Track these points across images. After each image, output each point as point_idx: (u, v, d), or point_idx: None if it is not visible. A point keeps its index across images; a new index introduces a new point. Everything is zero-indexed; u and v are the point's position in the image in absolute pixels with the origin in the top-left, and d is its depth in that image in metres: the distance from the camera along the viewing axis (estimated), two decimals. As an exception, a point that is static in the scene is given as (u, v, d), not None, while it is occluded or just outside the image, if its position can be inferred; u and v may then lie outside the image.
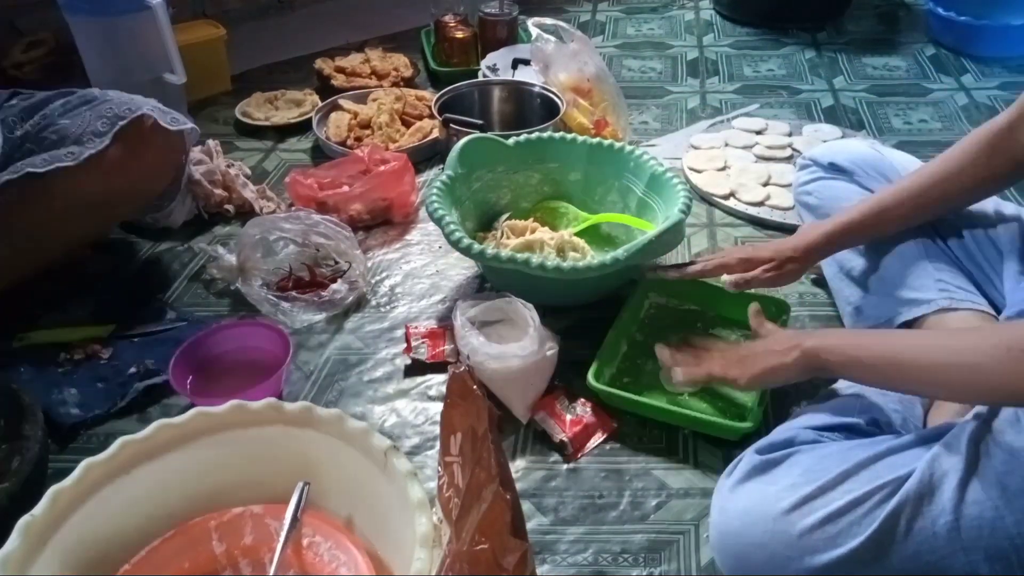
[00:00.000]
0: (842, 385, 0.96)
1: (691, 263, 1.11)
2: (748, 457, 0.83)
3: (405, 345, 1.13)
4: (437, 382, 1.10)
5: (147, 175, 1.25)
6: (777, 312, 1.12)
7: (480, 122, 1.44)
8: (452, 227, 1.12)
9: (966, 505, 0.70)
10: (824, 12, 2.23)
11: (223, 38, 1.85)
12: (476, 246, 1.10)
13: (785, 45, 2.11)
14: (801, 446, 0.83)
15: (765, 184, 1.49)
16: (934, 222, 1.04)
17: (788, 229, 1.37)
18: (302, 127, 1.72)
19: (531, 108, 1.62)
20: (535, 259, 1.07)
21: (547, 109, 1.58)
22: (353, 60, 1.91)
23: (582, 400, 1.04)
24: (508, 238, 1.24)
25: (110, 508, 0.77)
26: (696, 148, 1.62)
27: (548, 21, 1.66)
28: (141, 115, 1.18)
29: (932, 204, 0.99)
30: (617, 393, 1.02)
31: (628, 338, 1.12)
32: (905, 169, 1.10)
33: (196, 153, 1.48)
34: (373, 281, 1.29)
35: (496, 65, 1.79)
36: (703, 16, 2.30)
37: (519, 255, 1.08)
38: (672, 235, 1.12)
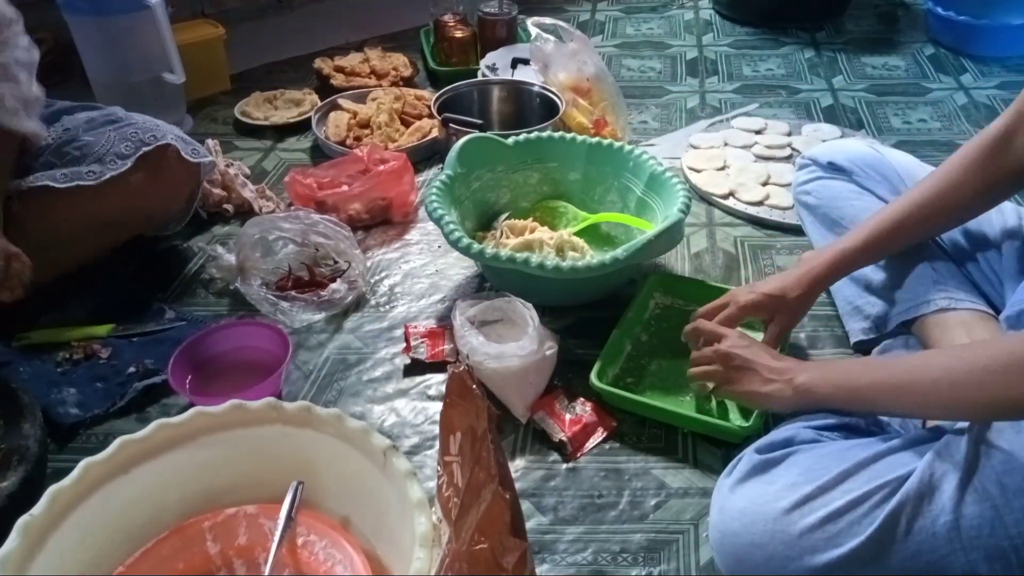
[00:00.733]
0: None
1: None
2: (747, 456, 0.83)
3: (404, 345, 1.13)
4: (436, 382, 1.10)
5: (163, 201, 1.27)
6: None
7: (479, 122, 1.44)
8: (451, 227, 1.12)
9: (966, 505, 0.70)
10: (823, 12, 2.24)
11: (222, 37, 1.85)
12: (475, 246, 1.10)
13: (784, 45, 2.12)
14: (800, 445, 0.83)
15: (764, 184, 1.49)
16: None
17: (787, 228, 1.38)
18: (301, 127, 1.72)
19: (530, 108, 1.62)
20: (534, 259, 1.08)
21: (546, 109, 1.58)
22: (352, 60, 1.91)
23: (581, 400, 1.04)
24: (507, 238, 1.24)
25: (109, 508, 0.77)
26: (695, 148, 1.62)
27: (547, 21, 1.66)
28: (165, 144, 1.20)
29: (933, 223, 0.97)
30: (619, 393, 1.02)
31: (632, 338, 1.12)
32: (904, 169, 1.09)
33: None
34: (372, 281, 1.29)
35: (495, 65, 1.79)
36: (702, 16, 2.30)
37: (518, 255, 1.08)
38: (671, 235, 1.12)
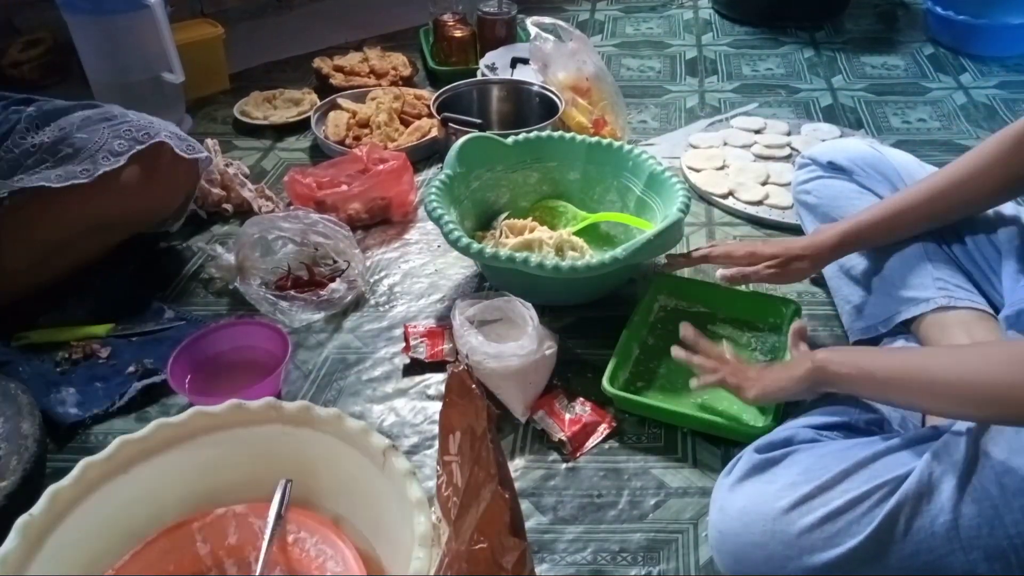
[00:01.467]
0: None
1: (696, 250, 1.12)
2: (747, 456, 0.83)
3: (404, 344, 1.13)
4: (436, 381, 1.10)
5: (159, 198, 1.27)
6: (787, 312, 1.12)
7: (479, 121, 1.44)
8: (451, 226, 1.12)
9: (965, 504, 0.70)
10: (823, 11, 2.24)
11: (221, 37, 1.84)
12: (475, 245, 1.10)
13: (784, 44, 2.12)
14: (800, 445, 0.83)
15: (764, 183, 1.49)
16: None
17: (787, 228, 1.38)
18: (300, 126, 1.72)
19: (530, 107, 1.62)
20: (534, 259, 1.07)
21: (546, 108, 1.57)
22: (352, 59, 1.91)
23: (581, 399, 1.04)
24: (507, 237, 1.24)
25: (109, 507, 0.77)
26: (695, 147, 1.62)
27: (547, 20, 1.65)
28: (159, 142, 1.19)
29: (949, 208, 0.98)
30: (636, 399, 1.02)
31: (639, 341, 1.11)
32: (904, 168, 1.10)
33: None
34: (372, 280, 1.29)
35: (495, 64, 1.79)
36: (702, 15, 2.30)
37: (518, 254, 1.08)
38: (671, 234, 1.11)
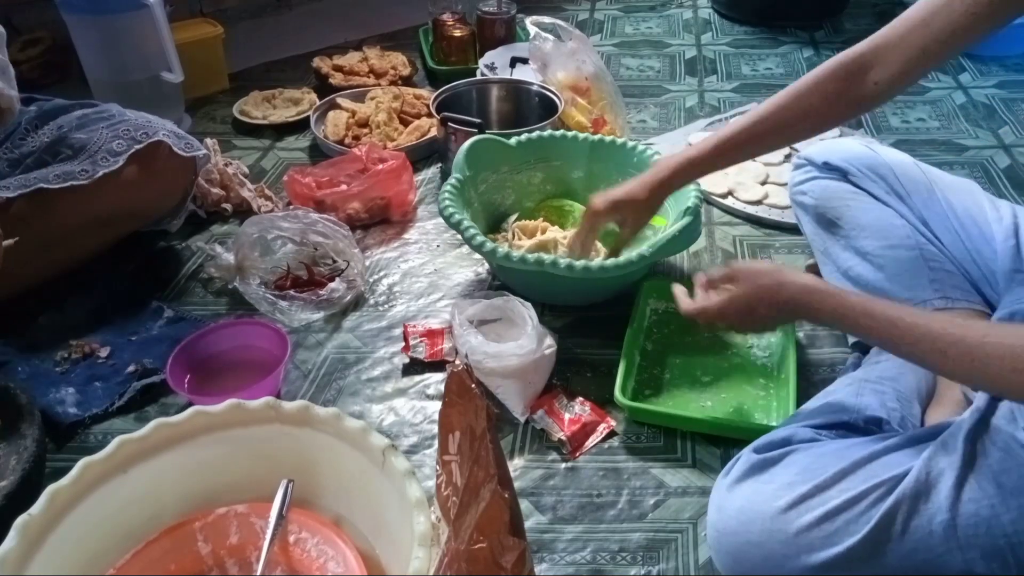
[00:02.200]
0: (841, 383, 0.96)
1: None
2: (746, 456, 0.83)
3: (403, 344, 1.13)
4: (435, 381, 1.10)
5: (157, 196, 1.27)
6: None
7: (479, 121, 1.43)
8: (472, 231, 1.12)
9: (962, 503, 0.70)
10: (822, 11, 2.24)
11: (221, 36, 1.84)
12: (500, 250, 1.09)
13: (783, 44, 2.12)
14: (798, 445, 0.83)
15: (763, 183, 1.49)
16: (929, 221, 1.04)
17: (786, 227, 1.38)
18: (300, 126, 1.72)
19: (529, 107, 1.62)
20: (563, 261, 1.07)
21: (545, 108, 1.57)
22: (351, 59, 1.91)
23: (580, 399, 1.04)
24: (519, 239, 1.24)
25: (108, 507, 0.77)
26: (694, 147, 1.62)
27: (546, 19, 1.65)
28: (157, 140, 1.20)
29: (768, 134, 1.00)
30: (650, 409, 1.02)
31: (639, 348, 1.11)
32: (900, 167, 1.10)
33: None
34: (371, 280, 1.29)
35: (494, 64, 1.79)
36: (701, 15, 2.30)
37: (546, 257, 1.08)
38: (693, 229, 1.12)
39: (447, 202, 1.16)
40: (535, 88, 1.61)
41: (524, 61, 1.68)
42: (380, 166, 1.42)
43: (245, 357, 1.10)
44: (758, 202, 1.45)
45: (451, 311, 1.08)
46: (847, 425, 0.87)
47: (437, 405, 0.91)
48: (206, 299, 1.26)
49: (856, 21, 2.23)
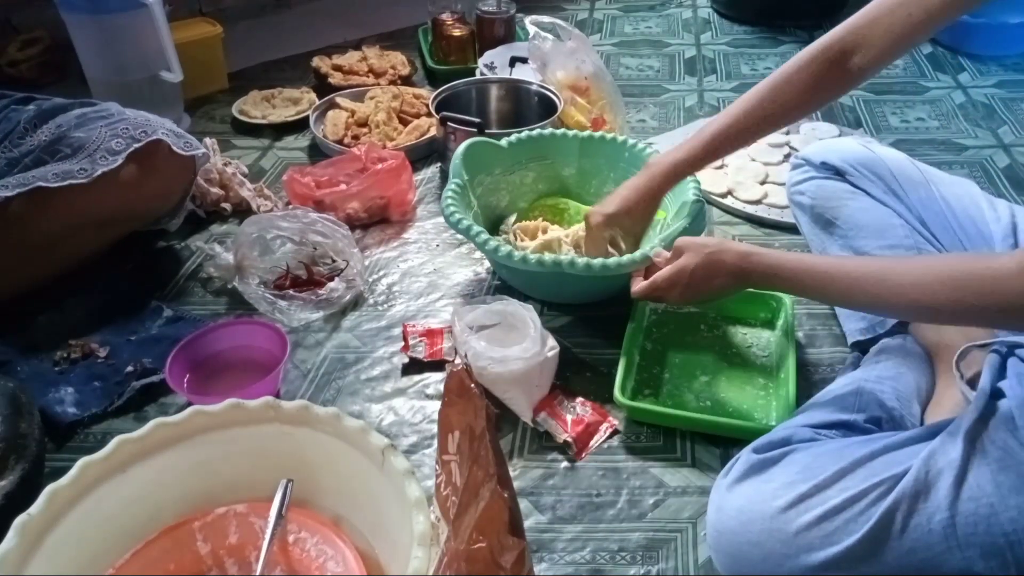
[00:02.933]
0: (840, 382, 0.96)
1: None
2: (745, 456, 0.83)
3: (403, 343, 1.13)
4: (435, 380, 1.10)
5: (156, 195, 1.27)
6: (777, 307, 1.14)
7: (478, 120, 1.43)
8: (483, 236, 1.11)
9: (961, 502, 0.70)
10: (821, 10, 2.23)
11: (220, 36, 1.84)
12: (515, 253, 1.09)
13: (782, 43, 2.12)
14: (798, 444, 0.83)
15: (762, 182, 1.49)
16: (927, 221, 1.04)
17: (785, 227, 1.38)
18: (299, 125, 1.72)
19: (529, 106, 1.62)
20: (580, 261, 1.07)
21: (545, 107, 1.57)
22: (350, 58, 1.91)
23: (580, 399, 1.04)
24: (521, 240, 1.24)
25: (107, 507, 0.77)
26: (693, 146, 1.62)
27: (546, 19, 1.65)
28: (156, 139, 1.19)
29: (756, 125, 1.02)
30: (650, 408, 1.02)
31: (638, 348, 1.11)
32: (897, 167, 1.10)
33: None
34: (370, 279, 1.29)
35: (494, 63, 1.79)
36: (700, 14, 2.30)
37: (562, 258, 1.08)
38: (700, 222, 1.13)
39: (452, 208, 1.15)
40: (534, 88, 1.61)
41: (523, 60, 1.68)
42: (379, 166, 1.42)
43: (244, 357, 1.10)
44: (757, 202, 1.45)
45: (451, 317, 1.08)
46: (846, 425, 0.87)
47: (436, 405, 0.91)
48: (205, 299, 1.26)
49: (855, 21, 2.23)
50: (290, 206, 1.42)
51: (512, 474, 0.93)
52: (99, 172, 1.14)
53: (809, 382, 1.07)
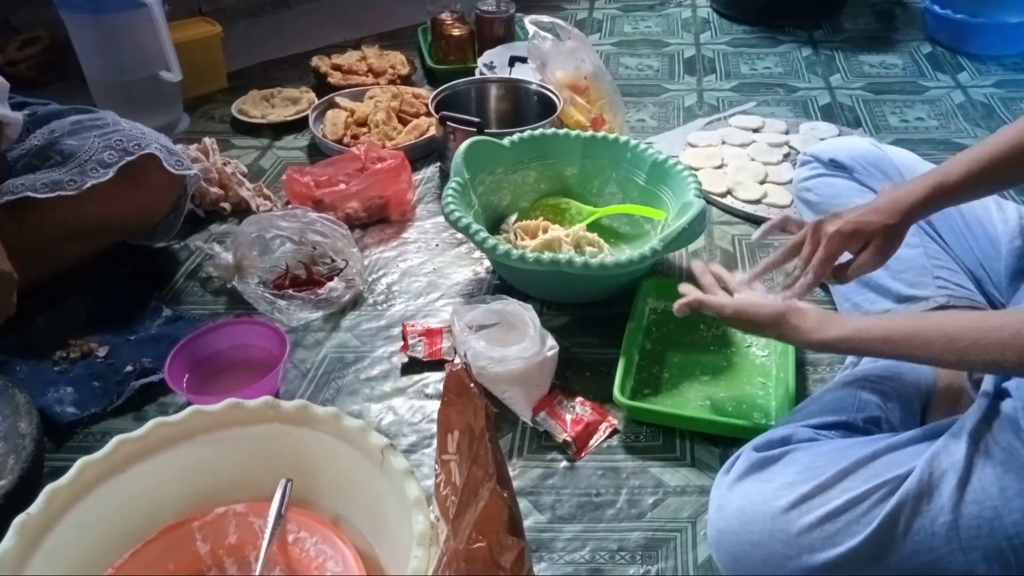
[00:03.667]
0: (840, 382, 0.96)
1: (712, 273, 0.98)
2: (746, 455, 0.83)
3: (402, 343, 1.13)
4: (434, 380, 1.10)
5: (144, 209, 1.25)
6: None
7: (477, 120, 1.43)
8: (483, 235, 1.11)
9: (965, 505, 0.70)
10: (821, 10, 2.24)
11: (219, 35, 1.84)
12: (515, 251, 1.09)
13: (782, 43, 2.12)
14: (798, 444, 0.83)
15: (762, 182, 1.49)
16: (933, 220, 1.04)
17: (785, 227, 1.38)
18: (298, 125, 1.72)
19: (528, 106, 1.62)
20: (579, 260, 1.07)
21: (544, 107, 1.57)
22: (350, 58, 1.91)
23: (580, 399, 1.04)
24: (522, 239, 1.24)
25: (106, 507, 0.77)
26: (693, 146, 1.62)
27: (545, 18, 1.65)
28: (148, 154, 1.18)
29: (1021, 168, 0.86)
30: (649, 408, 1.01)
31: (638, 347, 1.11)
32: (905, 166, 1.09)
33: (192, 151, 1.48)
34: (370, 279, 1.29)
35: (493, 63, 1.79)
36: (700, 14, 2.30)
37: (561, 256, 1.08)
38: (700, 221, 1.13)
39: (452, 206, 1.15)
40: (534, 87, 1.61)
41: (523, 60, 1.68)
42: (379, 165, 1.42)
43: (244, 356, 1.10)
44: (757, 201, 1.44)
45: (451, 316, 1.08)
46: (846, 424, 0.87)
47: (436, 404, 0.91)
48: (205, 298, 1.26)
49: (855, 20, 2.24)
50: (289, 206, 1.42)
51: (511, 474, 0.93)
52: (88, 184, 1.13)
53: (809, 382, 1.07)
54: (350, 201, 1.39)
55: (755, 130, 1.67)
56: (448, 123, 1.46)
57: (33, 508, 0.71)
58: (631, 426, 1.02)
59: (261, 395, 0.83)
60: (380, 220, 1.43)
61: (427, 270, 1.31)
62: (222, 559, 0.79)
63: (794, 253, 0.93)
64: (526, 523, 0.89)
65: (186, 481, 0.81)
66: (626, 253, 1.10)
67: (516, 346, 1.01)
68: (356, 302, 1.24)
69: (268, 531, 0.77)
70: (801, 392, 1.02)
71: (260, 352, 1.09)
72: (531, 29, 1.62)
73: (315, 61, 1.88)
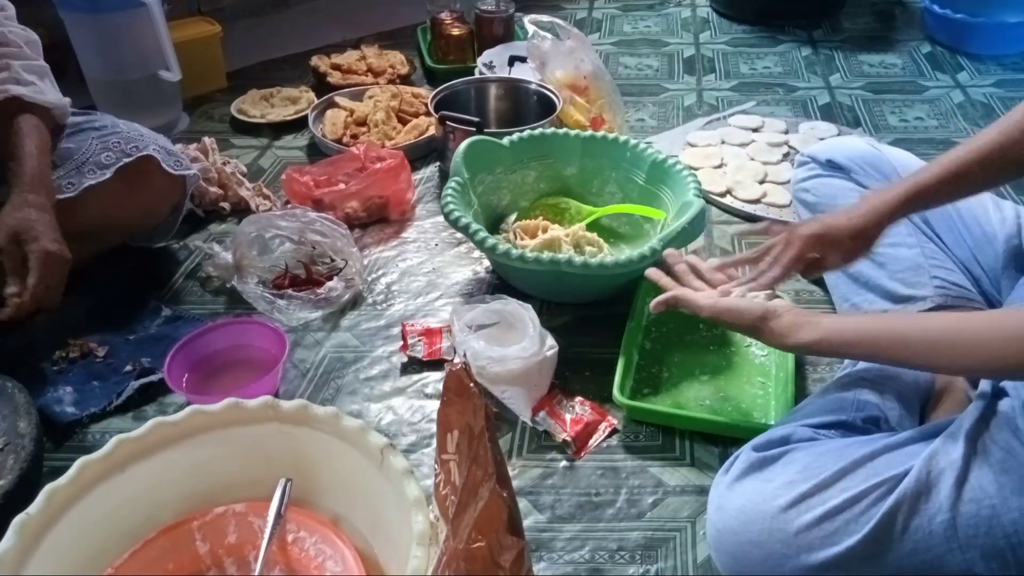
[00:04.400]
0: (839, 381, 0.96)
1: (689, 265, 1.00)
2: (745, 454, 0.83)
3: (402, 343, 1.13)
4: (434, 379, 1.10)
5: (143, 211, 1.25)
6: None
7: (477, 119, 1.43)
8: (482, 234, 1.11)
9: (963, 503, 0.70)
10: (820, 9, 2.24)
11: (219, 35, 1.84)
12: (514, 251, 1.09)
13: (781, 42, 2.12)
14: (798, 443, 0.83)
15: (761, 181, 1.49)
16: (931, 220, 1.04)
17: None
18: (298, 124, 1.72)
19: (527, 105, 1.62)
20: (578, 259, 1.07)
21: (544, 106, 1.57)
22: (349, 57, 1.91)
23: (579, 398, 1.04)
24: (522, 239, 1.24)
25: (106, 506, 0.77)
26: (692, 146, 1.62)
27: (544, 18, 1.65)
28: (146, 155, 1.18)
29: (996, 171, 0.88)
30: (649, 407, 1.02)
31: (637, 347, 1.11)
32: (903, 166, 1.10)
33: (192, 151, 1.48)
34: (369, 279, 1.29)
35: (492, 62, 1.79)
36: (699, 13, 2.30)
37: (560, 256, 1.08)
38: (700, 221, 1.13)
39: (451, 206, 1.15)
40: (533, 87, 1.61)
41: (522, 60, 1.68)
42: (378, 165, 1.42)
43: (243, 356, 1.10)
44: (756, 201, 1.45)
45: (450, 316, 1.08)
46: (845, 424, 0.87)
47: (435, 404, 0.91)
48: (204, 298, 1.26)
49: (854, 20, 2.24)
50: (289, 205, 1.42)
51: (511, 473, 0.93)
52: (86, 185, 1.13)
53: (808, 381, 1.07)
54: (349, 201, 1.39)
55: (754, 130, 1.67)
56: (447, 123, 1.46)
57: (33, 508, 0.71)
58: (631, 426, 1.02)
59: (260, 395, 0.83)
60: (379, 220, 1.43)
61: (426, 270, 1.31)
62: (222, 559, 0.79)
63: (756, 260, 0.96)
64: (526, 523, 0.89)
65: (186, 481, 0.81)
66: (626, 253, 1.10)
67: (516, 346, 1.01)
68: (355, 302, 1.24)
69: (268, 531, 0.77)
70: (800, 392, 1.02)
71: (259, 352, 1.09)
72: (530, 29, 1.62)
73: (314, 61, 1.88)
